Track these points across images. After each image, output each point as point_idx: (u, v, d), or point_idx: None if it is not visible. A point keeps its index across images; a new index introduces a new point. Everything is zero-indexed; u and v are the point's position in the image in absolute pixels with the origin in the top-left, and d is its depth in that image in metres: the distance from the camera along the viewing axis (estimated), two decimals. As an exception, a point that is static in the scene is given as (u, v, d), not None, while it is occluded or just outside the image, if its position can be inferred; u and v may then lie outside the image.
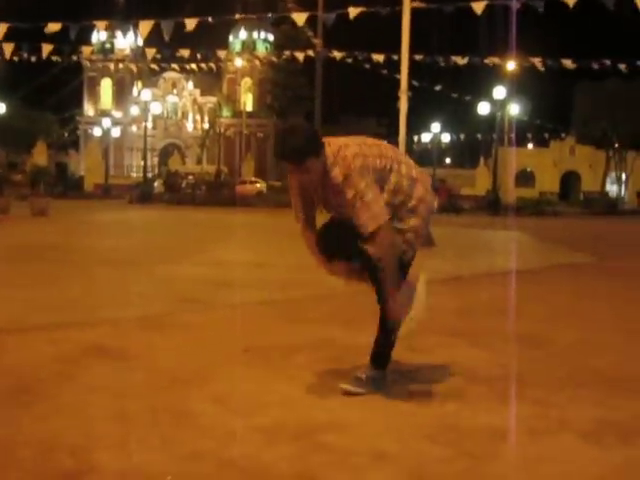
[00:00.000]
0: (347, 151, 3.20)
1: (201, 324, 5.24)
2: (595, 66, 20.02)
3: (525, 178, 63.35)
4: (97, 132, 66.45)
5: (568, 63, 19.35)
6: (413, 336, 3.71)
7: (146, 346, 4.40)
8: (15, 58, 23.24)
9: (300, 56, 27.82)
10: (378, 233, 3.13)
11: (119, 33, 72.53)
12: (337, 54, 22.88)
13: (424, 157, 60.38)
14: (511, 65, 22.65)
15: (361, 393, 3.38)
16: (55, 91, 64.26)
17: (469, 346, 4.62)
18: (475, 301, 6.67)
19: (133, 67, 59.51)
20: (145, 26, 16.29)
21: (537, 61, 20.47)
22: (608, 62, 19.51)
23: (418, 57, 20.34)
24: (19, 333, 4.71)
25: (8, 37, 18.15)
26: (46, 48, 20.38)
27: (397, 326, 3.32)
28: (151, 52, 21.89)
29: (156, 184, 43.35)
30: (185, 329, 5.03)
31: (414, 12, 13.14)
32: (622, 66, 19.88)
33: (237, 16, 23.24)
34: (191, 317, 5.47)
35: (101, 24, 22.03)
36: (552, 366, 4.18)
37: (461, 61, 20.24)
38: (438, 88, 32.26)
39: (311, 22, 17.28)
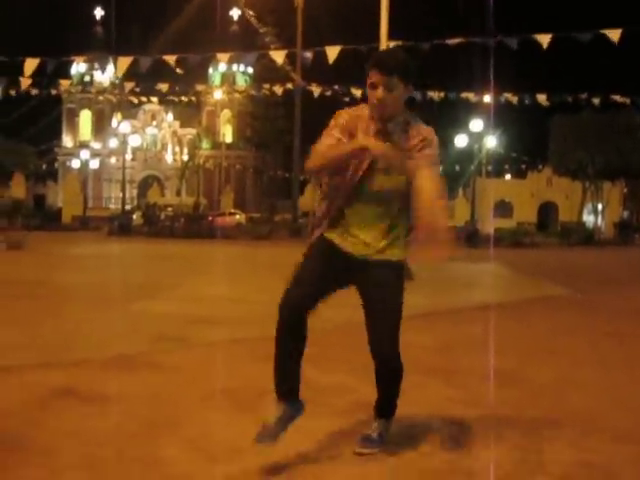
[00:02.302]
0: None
1: (175, 364, 5.16)
2: (569, 99, 20.32)
3: (503, 209, 63.92)
4: (75, 164, 66.26)
5: (542, 98, 19.65)
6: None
7: (118, 388, 4.32)
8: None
9: (279, 90, 28.01)
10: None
11: (98, 66, 72.71)
12: (316, 88, 23.04)
13: (403, 188, 60.75)
14: (487, 99, 22.99)
15: (375, 452, 3.20)
16: (33, 123, 64.15)
17: (445, 386, 4.58)
18: (451, 337, 6.65)
19: (112, 99, 59.59)
20: (123, 62, 16.32)
21: (512, 96, 20.79)
22: (583, 96, 19.86)
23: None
24: (-13, 376, 4.61)
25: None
26: (25, 82, 20.33)
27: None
28: (130, 85, 21.92)
29: (135, 216, 43.19)
30: (158, 370, 4.95)
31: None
32: (596, 100, 20.19)
33: (217, 55, 23.25)
34: (165, 357, 5.39)
35: (79, 59, 22.03)
36: (528, 406, 4.16)
37: (438, 96, 20.50)
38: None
39: (290, 58, 17.45)
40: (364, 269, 3.08)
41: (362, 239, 3.06)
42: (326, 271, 3.06)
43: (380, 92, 2.88)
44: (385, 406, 3.29)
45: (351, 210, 3.05)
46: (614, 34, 13.18)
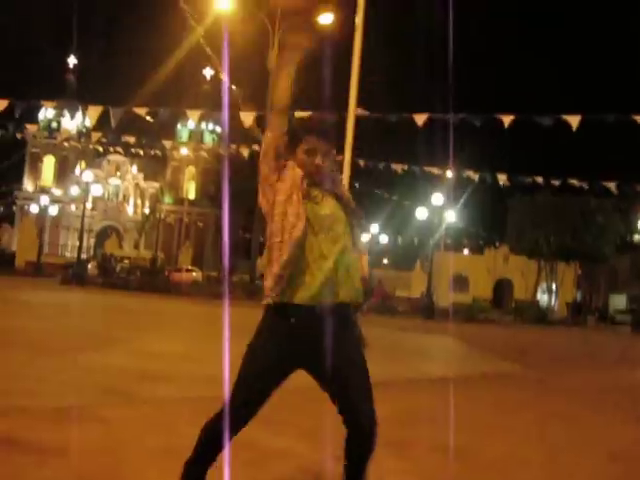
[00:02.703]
0: None
1: (120, 419, 5.04)
2: (528, 180, 20.87)
3: (460, 283, 64.60)
4: (34, 209, 65.43)
5: (503, 178, 20.19)
6: (337, 443, 3.62)
7: (56, 441, 4.19)
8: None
9: (245, 151, 28.26)
10: None
11: (67, 113, 72.69)
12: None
13: (362, 256, 61.16)
14: (449, 174, 23.53)
15: None
16: (-6, 164, 63.35)
17: (396, 457, 4.54)
18: (403, 408, 6.62)
19: (78, 146, 59.41)
20: (94, 111, 16.35)
21: (473, 173, 21.32)
22: (540, 179, 20.42)
23: (360, 162, 20.93)
24: None
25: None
26: (-11, 123, 20.21)
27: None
28: (97, 135, 21.93)
29: (90, 266, 42.58)
30: (103, 423, 4.82)
31: (357, 119, 13.55)
32: (555, 182, 20.77)
33: (187, 112, 23.42)
34: (110, 411, 5.26)
35: (48, 104, 22.01)
36: (475, 481, 4.14)
37: (400, 169, 20.91)
38: (378, 191, 33.06)
39: (259, 121, 17.67)
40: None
41: None
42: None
43: (319, 159, 2.88)
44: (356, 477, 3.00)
45: None
46: (573, 120, 13.68)
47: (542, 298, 58.37)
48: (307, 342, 2.81)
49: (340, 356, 2.86)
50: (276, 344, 2.81)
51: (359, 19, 13.94)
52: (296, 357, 2.85)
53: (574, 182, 20.03)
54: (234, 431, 2.88)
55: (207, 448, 2.93)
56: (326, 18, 20.82)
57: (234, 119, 15.18)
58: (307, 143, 2.88)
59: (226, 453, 2.91)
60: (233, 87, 20.41)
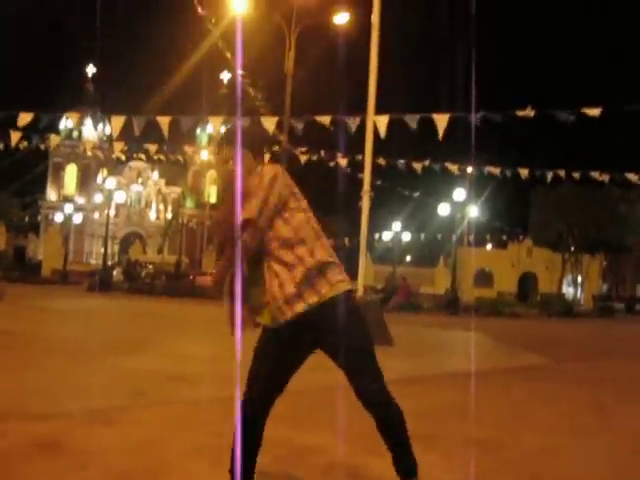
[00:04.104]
0: None
1: (154, 420, 5.14)
2: (549, 174, 20.75)
3: (484, 278, 64.33)
4: (58, 217, 66.15)
5: (524, 172, 20.08)
6: (369, 438, 3.68)
7: (95, 442, 4.29)
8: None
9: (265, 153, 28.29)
10: None
11: (89, 122, 73.35)
12: (302, 154, 23.35)
13: (385, 255, 61.13)
14: (470, 170, 23.48)
15: None
16: (19, 175, 64.21)
17: (425, 451, 4.57)
18: (431, 403, 6.66)
19: (99, 155, 59.95)
20: (117, 121, 16.51)
21: (494, 168, 21.23)
22: (562, 172, 20.28)
23: (381, 161, 20.96)
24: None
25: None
26: (15, 135, 20.47)
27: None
28: (119, 144, 22.11)
29: (115, 272, 42.96)
30: (135, 425, 4.92)
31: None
32: (576, 174, 20.63)
33: (209, 118, 23.55)
34: (142, 413, 5.36)
35: (72, 115, 22.24)
36: (508, 473, 4.17)
37: (420, 167, 20.88)
38: (400, 189, 33.02)
39: (279, 125, 17.76)
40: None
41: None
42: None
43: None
44: (405, 460, 3.11)
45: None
46: (594, 112, 13.61)
47: (568, 291, 57.98)
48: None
49: (337, 337, 2.95)
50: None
51: (375, 17, 14.01)
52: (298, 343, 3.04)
53: (596, 174, 19.86)
54: (257, 427, 3.16)
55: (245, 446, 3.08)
56: (341, 18, 20.94)
57: (256, 124, 15.24)
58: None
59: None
60: (251, 91, 20.45)
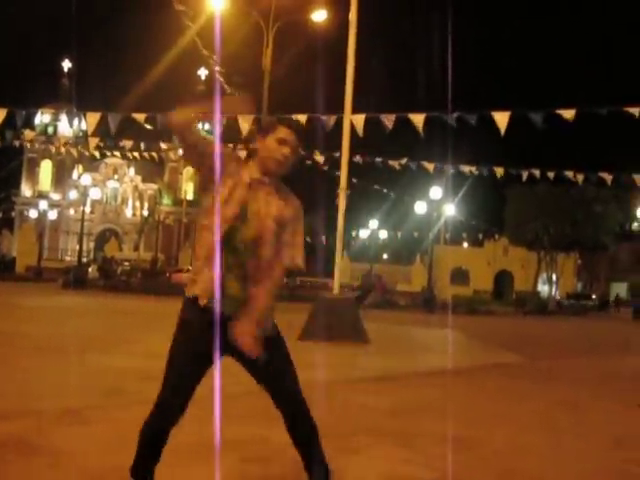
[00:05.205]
0: None
1: (128, 419, 5.09)
2: (524, 173, 20.88)
3: (460, 276, 64.77)
4: (33, 214, 65.52)
5: (500, 171, 20.21)
6: (343, 436, 3.70)
7: (69, 442, 4.25)
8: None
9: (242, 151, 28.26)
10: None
11: (64, 117, 72.70)
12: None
13: (362, 253, 61.31)
14: (447, 168, 23.56)
15: None
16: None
17: (400, 448, 4.61)
18: (407, 401, 6.68)
19: (74, 151, 59.42)
20: (92, 117, 16.32)
21: (470, 167, 21.35)
22: (537, 171, 20.42)
23: (357, 159, 20.97)
24: None
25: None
26: (-12, 131, 20.21)
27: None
28: (94, 140, 21.88)
29: (90, 269, 42.64)
30: (111, 424, 4.89)
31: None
32: (550, 174, 20.78)
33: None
34: (118, 412, 5.33)
35: (46, 110, 21.93)
36: (481, 470, 4.20)
37: (398, 165, 20.93)
38: (377, 187, 33.07)
39: (255, 123, 17.69)
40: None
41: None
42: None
43: (288, 150, 2.96)
44: (312, 461, 3.18)
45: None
46: (568, 114, 13.73)
47: (542, 289, 58.50)
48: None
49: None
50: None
51: (352, 15, 14.04)
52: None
53: (570, 174, 20.03)
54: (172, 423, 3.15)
55: (149, 448, 3.16)
56: (319, 15, 20.95)
57: (231, 118, 15.16)
58: (280, 133, 2.96)
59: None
60: (226, 87, 20.39)
